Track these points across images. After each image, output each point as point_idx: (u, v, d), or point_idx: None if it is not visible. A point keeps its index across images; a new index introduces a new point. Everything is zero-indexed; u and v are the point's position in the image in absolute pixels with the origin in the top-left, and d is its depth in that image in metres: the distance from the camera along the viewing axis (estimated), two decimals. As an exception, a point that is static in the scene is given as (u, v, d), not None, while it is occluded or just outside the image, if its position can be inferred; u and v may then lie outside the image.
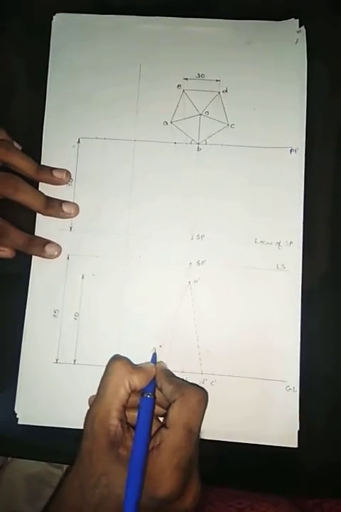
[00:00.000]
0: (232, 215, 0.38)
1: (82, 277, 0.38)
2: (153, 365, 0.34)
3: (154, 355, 0.36)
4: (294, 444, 0.35)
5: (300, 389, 0.36)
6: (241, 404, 0.36)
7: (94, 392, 0.36)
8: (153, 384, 0.33)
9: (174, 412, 0.30)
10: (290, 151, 0.38)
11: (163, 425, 0.30)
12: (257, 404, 0.36)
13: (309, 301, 0.37)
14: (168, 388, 0.32)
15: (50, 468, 0.47)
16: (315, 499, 0.39)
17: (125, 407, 0.31)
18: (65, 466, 0.44)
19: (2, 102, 0.41)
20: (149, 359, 0.36)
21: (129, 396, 0.31)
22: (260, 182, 0.38)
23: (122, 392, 0.31)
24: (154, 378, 0.33)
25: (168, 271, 0.38)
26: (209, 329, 0.37)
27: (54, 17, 0.41)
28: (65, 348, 0.37)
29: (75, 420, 0.35)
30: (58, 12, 0.41)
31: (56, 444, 0.36)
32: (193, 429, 0.29)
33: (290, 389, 0.36)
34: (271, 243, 0.37)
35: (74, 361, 0.37)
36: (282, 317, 0.37)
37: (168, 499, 0.28)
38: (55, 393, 0.37)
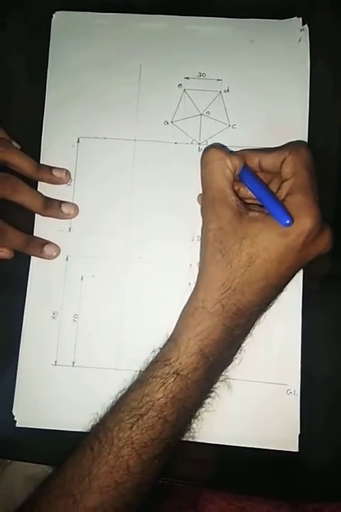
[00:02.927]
0: (233, 216, 0.37)
1: (81, 279, 0.37)
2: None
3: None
4: (295, 448, 0.35)
5: (301, 392, 0.35)
6: (241, 407, 0.36)
7: (94, 395, 0.36)
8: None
9: (291, 164, 0.31)
10: (292, 151, 0.38)
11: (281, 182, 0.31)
12: (258, 408, 0.36)
13: (310, 303, 0.36)
14: (269, 157, 0.33)
15: (50, 470, 0.47)
16: (316, 503, 0.39)
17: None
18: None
19: (1, 101, 0.40)
20: (146, 362, 0.36)
21: (233, 178, 0.32)
22: (261, 183, 0.38)
23: (228, 173, 0.32)
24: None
25: (168, 272, 0.37)
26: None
27: (54, 15, 0.40)
28: (64, 350, 0.37)
29: (74, 423, 0.35)
30: (58, 10, 0.40)
31: (54, 446, 0.36)
32: (313, 173, 0.31)
33: (291, 392, 0.36)
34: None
35: (73, 363, 0.37)
36: (283, 320, 0.36)
37: (312, 233, 0.30)
38: (53, 395, 0.36)
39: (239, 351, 0.34)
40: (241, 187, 0.34)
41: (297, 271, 0.33)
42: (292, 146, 0.32)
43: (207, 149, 0.33)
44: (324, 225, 0.31)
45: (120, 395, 0.32)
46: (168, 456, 0.31)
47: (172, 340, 0.32)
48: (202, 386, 0.31)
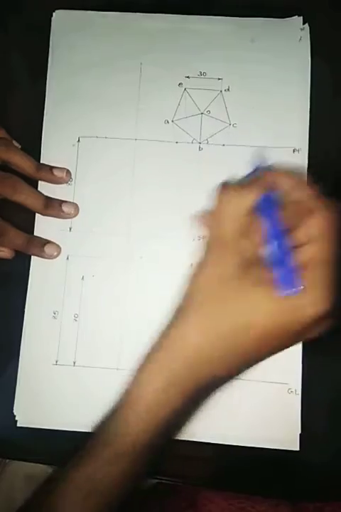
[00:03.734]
0: (234, 216, 0.37)
1: (82, 278, 0.37)
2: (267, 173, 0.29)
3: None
4: (296, 447, 0.35)
5: (302, 392, 0.35)
6: (242, 406, 0.36)
7: (94, 394, 0.36)
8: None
9: (320, 224, 0.25)
10: (293, 150, 0.38)
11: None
12: (259, 407, 0.36)
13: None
14: (299, 192, 0.27)
15: (50, 470, 0.47)
16: (317, 502, 0.39)
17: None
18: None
19: (1, 100, 0.40)
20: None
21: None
22: (262, 182, 0.38)
23: (243, 210, 0.27)
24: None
25: (168, 272, 0.37)
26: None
27: (54, 14, 0.40)
28: (65, 349, 0.37)
29: (75, 422, 0.35)
30: (58, 9, 0.40)
31: (55, 446, 0.36)
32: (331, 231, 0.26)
33: (291, 391, 0.36)
34: (273, 244, 0.37)
35: (74, 363, 0.37)
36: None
37: (321, 317, 0.25)
38: (54, 395, 0.36)
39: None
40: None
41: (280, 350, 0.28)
42: (325, 205, 0.26)
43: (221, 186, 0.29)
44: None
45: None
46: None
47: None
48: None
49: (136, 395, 0.28)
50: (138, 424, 0.27)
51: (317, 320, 0.25)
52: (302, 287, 0.25)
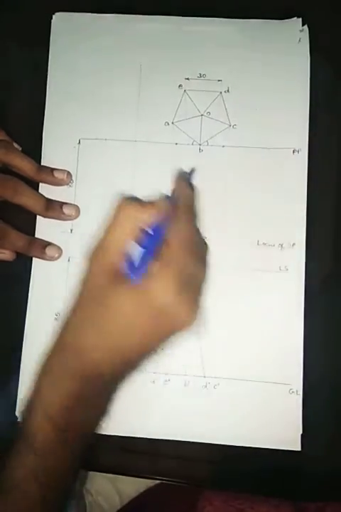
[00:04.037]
0: (234, 217, 0.38)
1: (83, 280, 0.37)
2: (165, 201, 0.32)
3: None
4: (297, 448, 0.35)
5: (304, 392, 0.36)
6: (244, 407, 0.36)
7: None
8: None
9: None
10: (293, 151, 0.38)
11: None
12: (260, 408, 0.36)
13: (312, 303, 0.36)
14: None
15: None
16: (319, 503, 0.39)
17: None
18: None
19: (2, 102, 0.40)
20: (151, 363, 0.35)
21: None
22: (262, 183, 0.38)
23: (130, 233, 0.30)
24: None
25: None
26: (211, 332, 0.37)
27: (54, 16, 0.40)
28: (66, 351, 0.37)
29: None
30: (58, 11, 0.40)
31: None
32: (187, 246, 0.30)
33: (293, 392, 0.36)
34: (274, 245, 0.37)
35: (76, 365, 0.37)
36: (285, 319, 0.36)
37: (164, 305, 0.28)
38: (56, 397, 0.36)
39: None
40: None
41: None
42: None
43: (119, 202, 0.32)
44: (187, 298, 0.29)
45: None
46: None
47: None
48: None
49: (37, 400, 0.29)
50: (44, 427, 0.28)
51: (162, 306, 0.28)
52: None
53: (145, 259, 0.30)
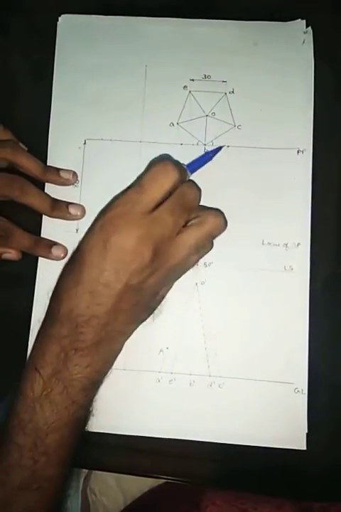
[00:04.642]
0: (239, 217, 0.38)
1: (89, 279, 0.38)
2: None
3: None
4: (303, 447, 0.35)
5: (309, 391, 0.36)
6: (249, 406, 0.36)
7: (100, 395, 0.35)
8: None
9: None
10: (298, 152, 0.38)
11: None
12: (265, 407, 0.36)
13: (317, 302, 0.37)
14: None
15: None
16: (323, 503, 0.39)
17: None
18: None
19: (8, 104, 0.40)
20: (155, 362, 0.36)
21: None
22: (267, 183, 0.38)
23: None
24: None
25: (174, 272, 0.37)
26: (216, 331, 0.37)
27: (59, 18, 0.41)
28: (72, 350, 0.37)
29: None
30: (64, 13, 0.41)
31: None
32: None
33: (298, 391, 0.36)
34: (279, 244, 0.37)
35: (81, 364, 0.37)
36: (290, 319, 0.37)
37: (137, 270, 0.29)
38: (61, 396, 0.36)
39: None
40: None
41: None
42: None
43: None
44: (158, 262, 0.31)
45: None
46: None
47: None
48: None
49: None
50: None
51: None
52: None
53: None
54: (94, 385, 0.32)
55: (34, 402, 0.30)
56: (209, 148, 0.38)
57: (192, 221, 0.32)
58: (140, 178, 0.32)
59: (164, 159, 0.32)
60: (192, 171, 0.35)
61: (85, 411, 0.32)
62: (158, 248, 0.30)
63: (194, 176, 0.36)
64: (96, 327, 0.30)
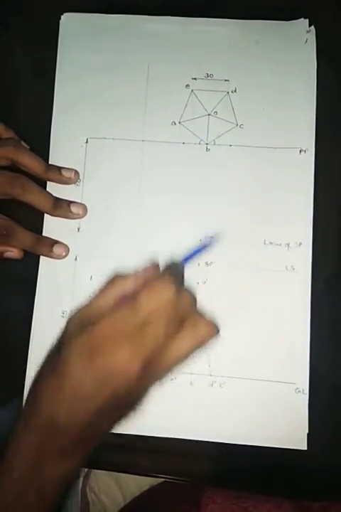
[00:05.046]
0: (241, 216, 0.38)
1: (90, 278, 0.38)
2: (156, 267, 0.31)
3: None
4: (303, 447, 0.35)
5: (310, 391, 0.36)
6: (250, 406, 0.36)
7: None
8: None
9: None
10: (300, 151, 0.38)
11: None
12: (266, 407, 0.36)
13: (318, 302, 0.36)
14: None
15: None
16: (323, 502, 0.39)
17: None
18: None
19: (10, 102, 0.40)
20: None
21: None
22: (269, 183, 0.38)
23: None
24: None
25: (176, 272, 0.37)
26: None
27: (62, 16, 0.41)
28: (73, 349, 0.37)
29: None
30: (66, 12, 0.41)
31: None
32: None
33: (299, 391, 0.36)
34: (280, 244, 0.37)
35: (82, 362, 0.37)
36: (291, 319, 0.36)
37: (123, 384, 0.28)
38: (63, 395, 0.36)
39: None
40: None
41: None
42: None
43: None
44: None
45: None
46: None
47: None
48: None
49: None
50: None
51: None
52: None
53: None
54: (67, 482, 0.30)
55: (5, 498, 0.28)
56: (206, 238, 0.36)
57: (185, 325, 0.30)
58: (136, 295, 0.29)
59: (159, 269, 0.32)
60: (188, 262, 0.34)
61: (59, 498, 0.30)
62: (147, 360, 0.28)
63: (194, 174, 0.36)
64: (76, 432, 0.28)
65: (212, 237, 0.36)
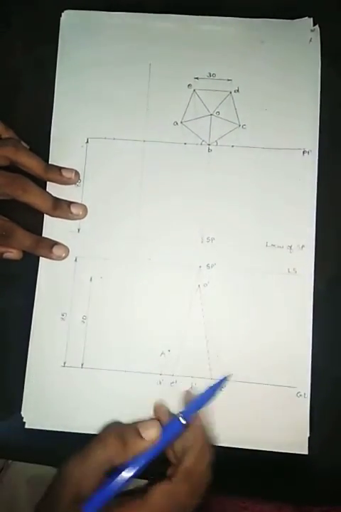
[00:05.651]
0: (243, 218, 0.37)
1: (90, 280, 0.37)
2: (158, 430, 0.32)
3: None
4: (304, 451, 0.35)
5: (311, 395, 0.35)
6: (251, 410, 0.36)
7: (102, 397, 0.36)
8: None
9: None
10: (303, 152, 0.37)
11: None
12: (267, 411, 0.36)
13: (320, 305, 0.36)
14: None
15: (53, 471, 0.46)
16: (323, 506, 0.39)
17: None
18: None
19: (10, 101, 0.40)
20: (156, 364, 0.36)
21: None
22: (272, 184, 0.37)
23: (106, 467, 0.30)
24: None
25: (177, 274, 0.37)
26: (218, 334, 0.36)
27: (63, 14, 0.40)
28: (73, 351, 0.37)
29: (83, 424, 0.35)
30: (67, 9, 0.40)
31: (63, 448, 0.36)
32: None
33: (300, 395, 0.35)
34: (283, 247, 0.37)
35: (82, 365, 0.36)
36: (293, 322, 0.36)
37: None
38: (62, 397, 0.36)
39: None
40: None
41: None
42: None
43: (105, 430, 0.33)
44: None
45: None
46: None
47: None
48: None
49: None
50: None
51: None
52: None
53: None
54: None
55: None
56: (209, 387, 0.35)
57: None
58: (144, 491, 0.30)
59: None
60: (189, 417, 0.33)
61: None
62: None
63: (196, 175, 0.36)
64: None
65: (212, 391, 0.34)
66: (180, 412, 0.32)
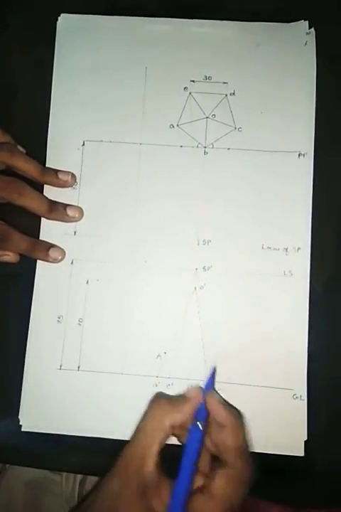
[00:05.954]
0: (239, 220, 0.37)
1: (87, 282, 0.37)
2: (199, 391, 0.32)
3: (212, 373, 0.34)
4: (301, 453, 0.35)
5: (308, 397, 0.35)
6: (247, 412, 0.35)
7: (98, 400, 0.36)
8: (203, 412, 0.31)
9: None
10: (299, 155, 0.38)
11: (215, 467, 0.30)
12: (263, 413, 0.36)
13: (316, 307, 0.36)
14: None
15: (50, 475, 0.46)
16: (321, 508, 0.39)
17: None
18: (65, 474, 0.43)
19: (7, 104, 0.40)
20: (152, 367, 0.36)
21: (171, 434, 0.30)
22: (268, 187, 0.38)
23: (162, 436, 0.30)
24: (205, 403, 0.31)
25: (173, 276, 0.37)
26: (215, 336, 0.36)
27: (59, 18, 0.40)
28: (69, 354, 0.37)
29: (80, 427, 0.35)
30: (63, 13, 0.40)
31: (60, 451, 0.36)
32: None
33: (297, 397, 0.35)
34: (279, 249, 0.37)
35: (79, 368, 0.36)
36: (289, 324, 0.36)
37: None
38: (58, 400, 0.36)
39: None
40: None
41: None
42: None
43: (152, 400, 0.32)
44: None
45: None
46: None
47: None
48: None
49: None
50: None
51: None
52: None
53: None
54: None
55: None
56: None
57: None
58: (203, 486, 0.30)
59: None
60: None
61: None
62: None
63: (192, 178, 0.36)
64: None
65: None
66: (195, 420, 0.32)
